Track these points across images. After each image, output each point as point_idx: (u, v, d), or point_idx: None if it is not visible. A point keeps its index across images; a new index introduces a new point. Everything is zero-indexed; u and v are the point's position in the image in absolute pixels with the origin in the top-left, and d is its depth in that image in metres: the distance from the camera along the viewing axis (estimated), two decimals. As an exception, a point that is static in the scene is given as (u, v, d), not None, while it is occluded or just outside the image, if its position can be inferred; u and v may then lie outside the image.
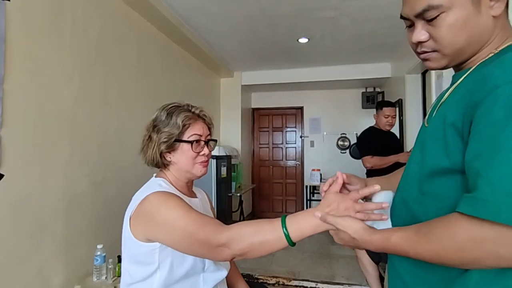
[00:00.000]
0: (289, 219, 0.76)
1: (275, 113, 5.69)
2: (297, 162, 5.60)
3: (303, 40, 3.54)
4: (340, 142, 5.38)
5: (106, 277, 1.82)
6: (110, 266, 1.82)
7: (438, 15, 0.60)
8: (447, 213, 0.62)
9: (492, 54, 0.62)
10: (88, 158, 2.00)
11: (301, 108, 5.57)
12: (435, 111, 0.70)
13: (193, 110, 1.02)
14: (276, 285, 1.48)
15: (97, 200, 2.07)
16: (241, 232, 0.77)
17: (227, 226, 0.80)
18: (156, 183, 0.97)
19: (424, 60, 0.68)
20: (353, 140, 5.26)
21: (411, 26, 0.67)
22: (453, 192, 0.61)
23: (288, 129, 5.67)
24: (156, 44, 2.92)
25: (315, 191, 5.30)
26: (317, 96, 5.45)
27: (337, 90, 5.32)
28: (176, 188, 1.00)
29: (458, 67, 0.69)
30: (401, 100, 3.78)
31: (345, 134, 5.34)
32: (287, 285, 1.49)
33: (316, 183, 4.88)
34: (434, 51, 0.65)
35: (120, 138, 2.33)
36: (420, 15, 0.62)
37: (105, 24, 2.18)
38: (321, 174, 4.91)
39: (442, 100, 0.68)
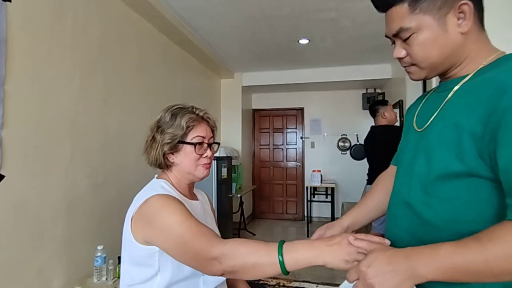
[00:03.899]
0: (286, 246, 0.72)
1: (276, 114, 5.69)
2: (298, 163, 5.60)
3: (304, 41, 3.54)
4: (341, 143, 5.37)
5: (106, 278, 1.82)
6: (110, 267, 1.82)
7: (410, 35, 0.69)
8: (458, 214, 0.64)
9: (487, 63, 0.68)
10: (89, 159, 2.00)
11: (302, 109, 5.57)
12: (434, 116, 0.73)
13: (197, 112, 1.02)
14: (277, 286, 1.47)
15: (97, 201, 2.07)
16: (235, 249, 0.74)
17: (223, 240, 0.77)
18: (158, 185, 0.96)
19: (407, 72, 0.78)
20: (354, 141, 5.26)
21: (394, 43, 0.76)
22: (465, 195, 0.64)
23: (289, 130, 5.67)
24: (156, 45, 2.92)
25: (316, 192, 5.30)
26: (318, 97, 5.46)
27: (338, 91, 5.33)
28: (178, 190, 1.00)
29: (445, 76, 0.75)
30: (402, 101, 3.77)
31: (346, 135, 5.34)
32: (288, 286, 1.49)
33: (317, 184, 4.88)
34: (412, 64, 0.74)
35: (121, 139, 2.33)
36: (396, 35, 0.72)
37: (105, 25, 2.18)
38: (321, 175, 4.91)
39: (442, 105, 0.72)
